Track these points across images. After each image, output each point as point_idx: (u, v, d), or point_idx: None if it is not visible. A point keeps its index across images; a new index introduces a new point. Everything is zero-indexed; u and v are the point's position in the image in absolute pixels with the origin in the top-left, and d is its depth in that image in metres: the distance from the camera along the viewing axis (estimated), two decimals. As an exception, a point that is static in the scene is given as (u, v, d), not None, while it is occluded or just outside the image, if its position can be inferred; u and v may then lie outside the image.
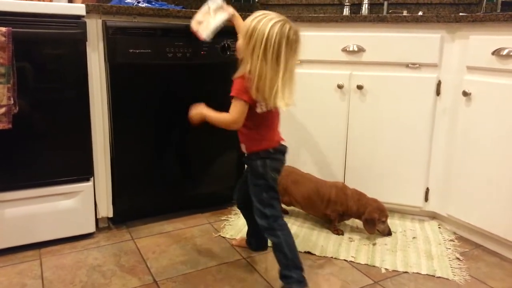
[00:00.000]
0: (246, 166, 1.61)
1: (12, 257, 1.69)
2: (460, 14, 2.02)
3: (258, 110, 1.45)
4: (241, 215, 2.09)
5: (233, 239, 1.89)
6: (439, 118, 1.99)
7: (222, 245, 1.84)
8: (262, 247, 1.79)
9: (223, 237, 1.91)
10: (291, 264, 1.47)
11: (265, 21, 1.35)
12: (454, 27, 1.90)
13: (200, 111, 1.52)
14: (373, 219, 1.86)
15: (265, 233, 1.53)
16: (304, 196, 1.96)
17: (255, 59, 1.35)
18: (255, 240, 1.78)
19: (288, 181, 2.00)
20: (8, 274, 1.58)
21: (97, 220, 1.92)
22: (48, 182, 1.73)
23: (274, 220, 1.50)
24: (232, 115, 1.44)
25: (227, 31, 2.01)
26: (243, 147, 1.55)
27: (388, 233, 1.93)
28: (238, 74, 1.45)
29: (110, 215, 1.95)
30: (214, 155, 2.13)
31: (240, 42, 1.42)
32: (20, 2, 1.62)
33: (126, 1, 2.03)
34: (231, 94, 1.44)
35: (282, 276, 1.48)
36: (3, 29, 1.50)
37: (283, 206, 2.10)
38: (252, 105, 1.43)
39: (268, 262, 1.72)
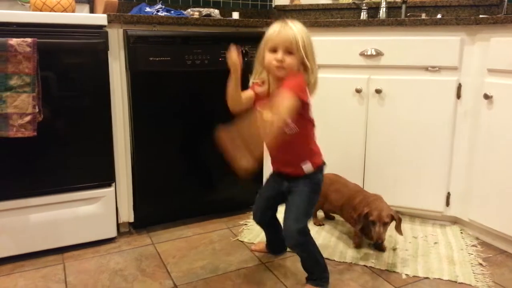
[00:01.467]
0: (272, 183, 1.63)
1: (36, 262, 1.74)
2: (481, 16, 1.99)
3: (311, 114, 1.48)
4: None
5: (251, 243, 1.90)
6: (460, 122, 1.96)
7: (241, 250, 1.85)
8: (282, 250, 1.82)
9: (241, 241, 1.92)
10: (322, 268, 1.56)
11: (298, 27, 1.40)
12: (474, 29, 1.87)
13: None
14: (361, 213, 1.72)
15: (297, 249, 1.53)
16: (339, 204, 1.94)
17: (312, 61, 1.43)
18: (275, 246, 1.80)
19: (329, 190, 1.98)
20: (32, 278, 1.62)
21: (118, 225, 1.95)
22: (71, 188, 1.78)
23: (308, 234, 1.52)
24: (289, 100, 1.30)
25: (244, 38, 2.04)
26: (307, 167, 1.50)
27: (378, 239, 1.68)
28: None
29: (131, 220, 1.98)
30: (232, 160, 2.15)
31: (293, 60, 1.39)
32: (44, 14, 1.68)
33: (146, 10, 2.07)
34: (286, 88, 1.33)
35: (316, 278, 1.56)
36: (29, 40, 1.55)
37: (323, 213, 2.15)
38: (307, 107, 1.43)
39: (287, 267, 1.72)
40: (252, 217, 1.73)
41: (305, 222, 1.49)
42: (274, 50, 1.40)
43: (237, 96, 1.44)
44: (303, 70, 1.43)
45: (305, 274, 1.65)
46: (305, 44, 1.40)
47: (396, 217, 1.72)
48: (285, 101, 1.30)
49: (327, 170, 2.10)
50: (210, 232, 2.03)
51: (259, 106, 1.46)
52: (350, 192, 1.91)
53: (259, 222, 1.72)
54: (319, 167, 1.54)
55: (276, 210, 1.70)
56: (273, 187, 1.62)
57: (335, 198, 1.95)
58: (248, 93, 1.50)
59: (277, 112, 1.29)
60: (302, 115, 1.42)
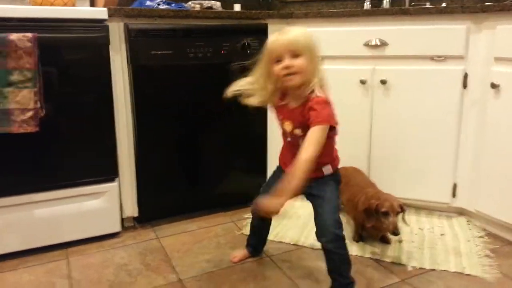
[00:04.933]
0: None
1: (40, 257, 1.74)
2: (486, 3, 1.95)
3: None
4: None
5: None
6: (467, 111, 1.93)
7: (246, 243, 1.84)
8: (262, 250, 1.77)
9: (246, 235, 1.91)
10: (350, 268, 1.46)
11: (297, 29, 1.33)
12: (480, 17, 1.84)
13: (278, 201, 1.27)
14: (369, 207, 1.68)
15: (334, 243, 1.39)
16: (344, 198, 1.90)
17: (321, 65, 1.34)
18: (259, 245, 1.76)
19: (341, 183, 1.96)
20: (36, 273, 1.63)
21: (122, 219, 1.95)
22: (74, 183, 1.77)
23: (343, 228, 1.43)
24: (315, 149, 1.27)
25: (246, 30, 2.02)
26: (327, 169, 1.44)
27: (394, 229, 1.62)
28: (314, 95, 1.31)
29: (135, 214, 1.98)
30: (237, 154, 2.14)
31: (302, 61, 1.29)
32: (44, 8, 1.67)
33: (146, 4, 2.05)
34: (320, 121, 1.28)
35: (344, 285, 1.44)
36: (29, 34, 1.54)
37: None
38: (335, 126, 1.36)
39: (293, 261, 1.71)
40: (251, 209, 1.64)
41: (339, 215, 1.42)
42: (279, 60, 1.31)
43: None
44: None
45: (310, 270, 1.64)
46: (312, 43, 1.31)
47: (403, 207, 1.69)
48: (302, 168, 1.26)
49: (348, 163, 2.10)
50: (215, 225, 2.02)
51: (283, 116, 1.42)
52: (354, 188, 1.87)
53: (261, 216, 1.61)
54: (337, 166, 1.49)
55: None
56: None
57: (342, 191, 1.93)
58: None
59: (304, 160, 1.27)
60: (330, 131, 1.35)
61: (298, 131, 1.39)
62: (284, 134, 1.46)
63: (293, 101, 1.39)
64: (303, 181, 1.26)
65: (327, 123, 1.30)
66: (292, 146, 1.42)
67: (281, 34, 1.32)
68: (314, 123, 1.29)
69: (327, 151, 1.40)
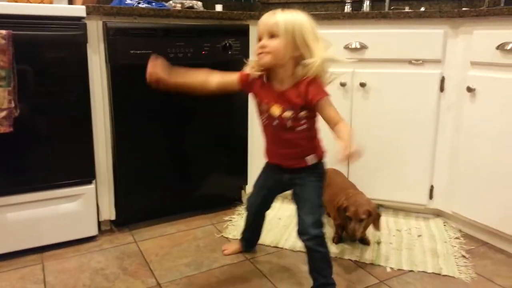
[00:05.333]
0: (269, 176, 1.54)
1: (14, 262, 1.68)
2: (463, 9, 2.00)
3: None
4: (243, 216, 2.07)
5: (236, 239, 1.87)
6: (444, 115, 1.97)
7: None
8: (254, 245, 1.80)
9: (226, 237, 1.90)
10: (331, 271, 1.47)
11: (286, 12, 1.32)
12: (458, 22, 1.88)
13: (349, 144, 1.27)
14: (340, 206, 1.72)
15: (313, 241, 1.41)
16: (326, 199, 1.90)
17: (312, 44, 1.32)
18: (252, 240, 1.78)
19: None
20: (10, 279, 1.57)
21: (99, 223, 1.90)
22: (50, 185, 1.72)
23: (324, 226, 1.44)
24: (341, 117, 1.35)
25: (227, 31, 2.01)
26: (311, 158, 1.44)
27: (352, 235, 1.67)
28: (305, 78, 1.33)
29: (113, 217, 1.94)
30: (218, 155, 2.12)
31: (277, 43, 1.30)
32: (20, 5, 1.61)
33: (126, 2, 2.01)
34: (322, 96, 1.32)
35: (324, 285, 1.46)
36: (3, 32, 1.49)
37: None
38: None
39: (273, 263, 1.71)
40: (246, 206, 1.69)
41: (320, 214, 1.42)
42: (260, 40, 1.35)
43: (198, 85, 1.51)
44: (299, 59, 1.32)
45: (291, 272, 1.64)
46: (293, 27, 1.29)
47: (374, 213, 1.68)
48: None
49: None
50: (194, 228, 2.00)
51: (268, 100, 1.40)
52: (335, 189, 1.88)
53: (255, 212, 1.67)
54: (322, 157, 1.49)
55: (272, 201, 1.65)
56: (272, 177, 1.54)
57: (325, 193, 1.93)
58: (229, 78, 1.48)
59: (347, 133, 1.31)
60: (314, 112, 1.38)
61: (288, 113, 1.37)
62: (269, 119, 1.42)
63: (280, 83, 1.38)
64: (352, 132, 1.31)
65: (326, 94, 1.34)
66: (278, 131, 1.41)
67: (268, 15, 1.34)
68: (317, 99, 1.32)
69: (308, 136, 1.42)
